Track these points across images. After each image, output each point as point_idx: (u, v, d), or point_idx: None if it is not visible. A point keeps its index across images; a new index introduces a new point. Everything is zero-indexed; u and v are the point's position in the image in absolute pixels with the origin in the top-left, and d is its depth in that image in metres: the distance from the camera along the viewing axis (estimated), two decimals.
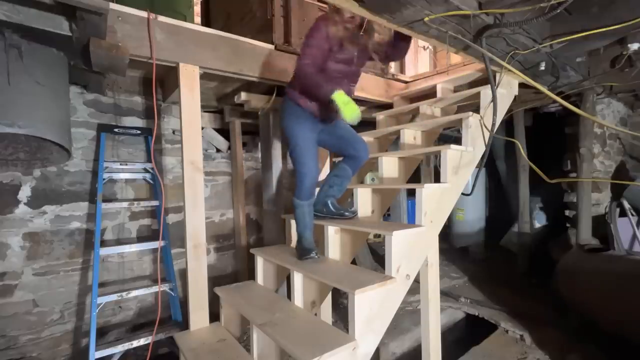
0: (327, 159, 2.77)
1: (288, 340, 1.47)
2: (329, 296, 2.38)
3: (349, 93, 1.89)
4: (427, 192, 1.84)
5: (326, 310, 2.48)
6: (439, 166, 2.03)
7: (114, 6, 1.66)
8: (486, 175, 4.89)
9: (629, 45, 2.05)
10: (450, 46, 1.72)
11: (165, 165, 2.98)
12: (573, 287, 2.54)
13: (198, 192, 2.01)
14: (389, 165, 2.31)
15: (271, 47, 2.32)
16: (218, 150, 3.37)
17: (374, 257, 4.04)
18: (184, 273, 2.30)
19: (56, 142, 1.91)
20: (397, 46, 1.87)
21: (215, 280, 3.07)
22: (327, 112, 1.93)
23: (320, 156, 2.15)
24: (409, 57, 3.54)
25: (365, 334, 1.53)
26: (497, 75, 2.12)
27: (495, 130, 2.12)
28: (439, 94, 2.66)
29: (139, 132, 2.77)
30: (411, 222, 4.47)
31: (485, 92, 2.17)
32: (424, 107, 2.61)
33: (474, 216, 4.42)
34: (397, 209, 4.55)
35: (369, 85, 2.90)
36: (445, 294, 3.22)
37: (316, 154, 1.98)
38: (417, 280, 2.00)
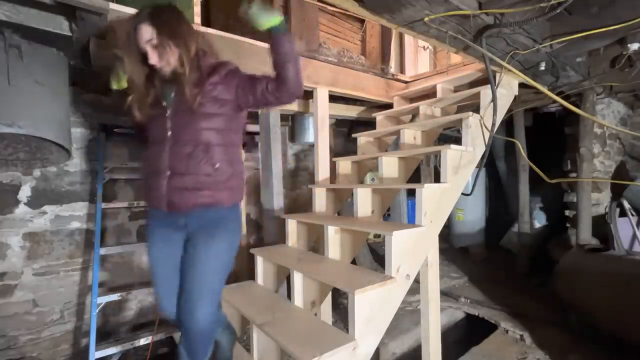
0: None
1: (288, 340, 1.47)
2: (329, 296, 2.38)
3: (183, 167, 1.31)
4: (427, 192, 1.84)
5: (326, 310, 2.48)
6: (439, 166, 2.03)
7: (114, 6, 1.66)
8: (486, 175, 4.88)
9: (629, 45, 2.05)
10: (450, 46, 1.72)
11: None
12: (573, 287, 2.54)
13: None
14: (389, 165, 2.31)
15: None
16: None
17: (374, 257, 4.04)
18: None
19: (56, 142, 1.91)
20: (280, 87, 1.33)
21: None
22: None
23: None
24: (409, 57, 3.54)
25: (365, 334, 1.53)
26: (497, 75, 2.12)
27: (495, 130, 2.12)
28: (439, 94, 2.66)
29: None
30: (411, 222, 4.47)
31: (485, 92, 2.17)
32: (424, 107, 2.61)
33: (474, 216, 4.42)
34: (397, 209, 4.54)
35: (369, 85, 2.90)
36: (445, 294, 3.22)
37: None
38: (417, 280, 2.00)
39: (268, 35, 1.33)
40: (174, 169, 1.31)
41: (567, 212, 3.34)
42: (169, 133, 1.33)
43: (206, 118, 1.33)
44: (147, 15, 1.27)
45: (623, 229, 2.96)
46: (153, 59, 1.28)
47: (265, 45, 2.26)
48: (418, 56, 3.61)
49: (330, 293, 2.24)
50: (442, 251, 3.77)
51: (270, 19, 1.31)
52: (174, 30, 1.29)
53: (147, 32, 1.26)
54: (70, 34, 1.62)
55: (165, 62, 1.29)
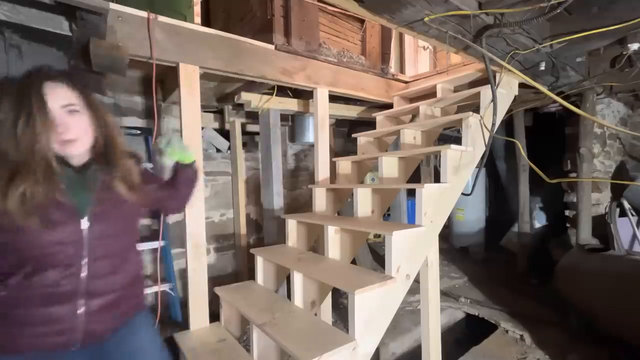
0: None
1: (288, 340, 1.47)
2: (329, 296, 2.38)
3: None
4: (427, 192, 1.84)
5: (326, 310, 2.48)
6: (439, 166, 2.03)
7: (114, 6, 1.66)
8: (486, 175, 4.89)
9: (629, 45, 2.05)
10: (450, 46, 1.72)
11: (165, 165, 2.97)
12: (573, 287, 2.54)
13: (198, 192, 2.01)
14: (389, 165, 2.31)
15: (271, 47, 2.32)
16: (218, 150, 3.37)
17: (374, 257, 4.04)
18: (184, 273, 2.30)
19: None
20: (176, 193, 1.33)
21: (215, 280, 3.07)
22: None
23: None
24: (409, 57, 3.54)
25: (365, 334, 1.53)
26: (497, 75, 2.12)
27: (495, 130, 2.12)
28: (439, 94, 2.66)
29: (139, 132, 2.77)
30: (411, 222, 4.47)
31: (485, 92, 2.17)
32: (424, 107, 2.61)
33: (474, 216, 4.42)
34: (397, 209, 4.55)
35: (369, 85, 2.90)
36: (445, 294, 3.22)
37: None
38: (417, 280, 2.00)
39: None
40: (93, 292, 0.98)
41: (567, 212, 3.34)
42: (85, 250, 0.95)
43: (126, 222, 1.09)
44: (63, 74, 0.99)
45: (623, 229, 2.97)
46: (68, 130, 0.92)
47: (265, 45, 2.28)
48: (418, 56, 3.61)
49: (330, 293, 2.24)
50: (442, 251, 3.77)
51: (185, 156, 1.30)
52: (95, 99, 1.02)
53: (64, 94, 0.94)
54: (70, 34, 1.62)
55: (80, 139, 0.96)
